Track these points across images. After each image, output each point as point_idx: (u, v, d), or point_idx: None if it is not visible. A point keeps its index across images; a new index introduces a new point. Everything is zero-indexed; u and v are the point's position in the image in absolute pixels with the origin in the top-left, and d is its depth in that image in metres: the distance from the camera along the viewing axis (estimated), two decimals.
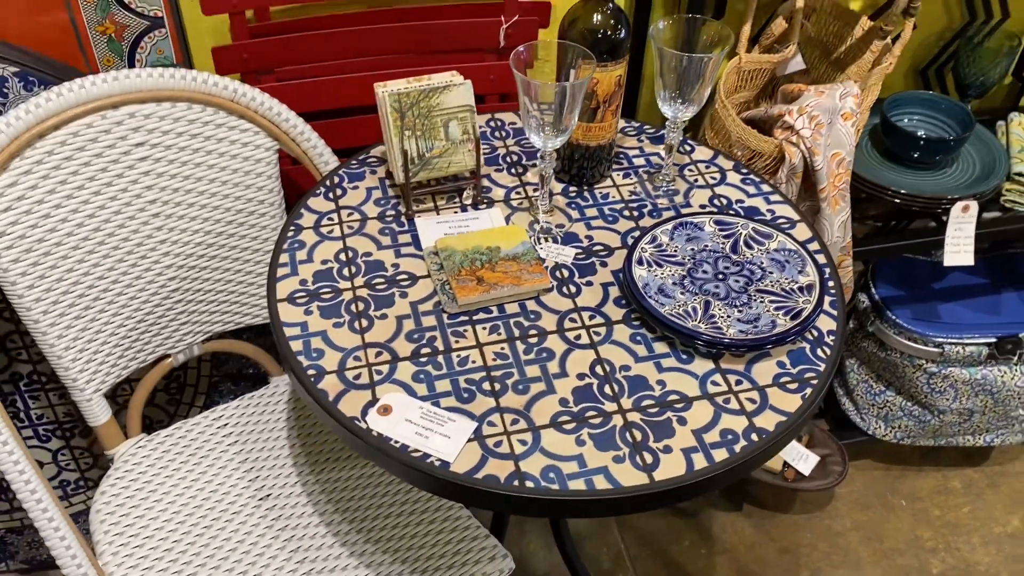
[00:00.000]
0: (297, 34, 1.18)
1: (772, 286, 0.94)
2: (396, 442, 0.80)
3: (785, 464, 1.58)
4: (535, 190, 1.10)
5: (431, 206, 1.07)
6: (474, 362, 0.88)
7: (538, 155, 0.99)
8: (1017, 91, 1.68)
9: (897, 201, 1.36)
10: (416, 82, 1.01)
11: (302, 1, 1.23)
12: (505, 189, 1.10)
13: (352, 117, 1.25)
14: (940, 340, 1.53)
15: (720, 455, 0.80)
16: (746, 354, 0.89)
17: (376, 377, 0.86)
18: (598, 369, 0.87)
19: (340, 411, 0.83)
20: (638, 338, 0.91)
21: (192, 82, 1.07)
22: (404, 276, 0.97)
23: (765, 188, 1.11)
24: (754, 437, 0.82)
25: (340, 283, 0.96)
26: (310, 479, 1.14)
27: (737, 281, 0.95)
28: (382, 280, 0.97)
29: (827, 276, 0.96)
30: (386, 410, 0.83)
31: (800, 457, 1.58)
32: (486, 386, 0.86)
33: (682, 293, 0.93)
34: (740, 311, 0.91)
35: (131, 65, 1.25)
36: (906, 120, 1.48)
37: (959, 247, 1.36)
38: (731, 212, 1.06)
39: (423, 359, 0.88)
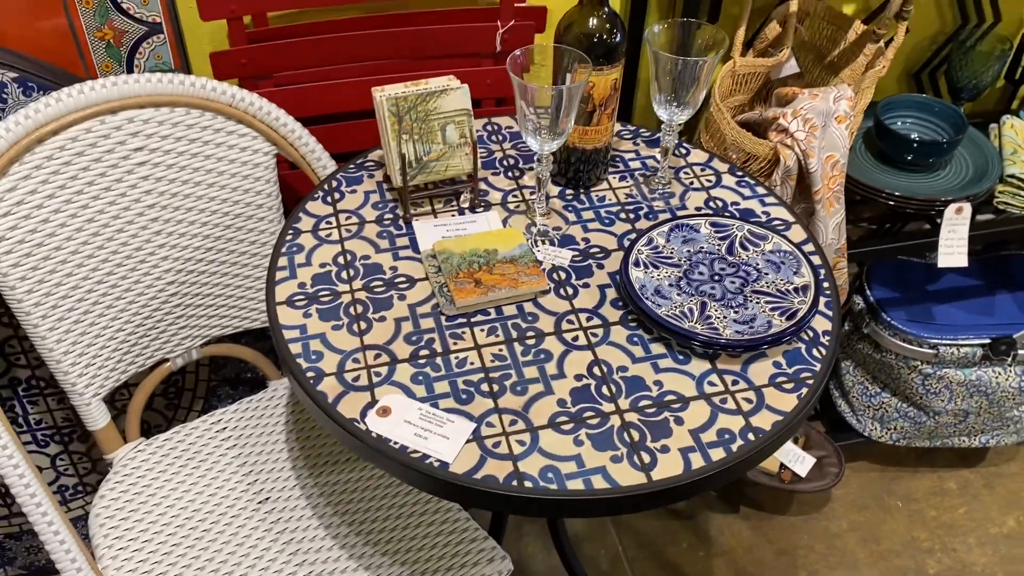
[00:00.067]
0: (295, 39, 1.19)
1: (768, 287, 0.95)
2: (395, 443, 0.80)
3: (782, 466, 1.59)
4: (532, 193, 1.10)
5: (428, 209, 1.08)
6: (472, 364, 0.88)
7: (535, 158, 0.99)
8: (1009, 94, 1.69)
9: (891, 203, 1.37)
10: (413, 86, 1.02)
11: (300, 6, 1.23)
12: (502, 192, 1.11)
13: (350, 122, 1.26)
14: (935, 341, 1.53)
15: (717, 454, 0.81)
16: (742, 354, 0.90)
17: (375, 379, 0.87)
18: (596, 370, 0.88)
19: (339, 413, 0.83)
20: (635, 339, 0.91)
21: (190, 87, 1.07)
22: (402, 279, 0.98)
23: (760, 190, 1.12)
24: (751, 437, 0.82)
25: (339, 286, 0.97)
26: (308, 482, 1.14)
27: (733, 282, 0.96)
28: (380, 283, 0.97)
29: (822, 277, 0.97)
30: (385, 412, 0.83)
31: (797, 459, 1.59)
32: (484, 387, 0.86)
33: (678, 294, 0.94)
34: (736, 312, 0.92)
35: (129, 70, 1.26)
36: (899, 123, 1.49)
37: (953, 249, 1.37)
38: (727, 214, 1.07)
39: (422, 361, 0.89)
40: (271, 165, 1.17)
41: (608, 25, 0.98)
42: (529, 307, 0.95)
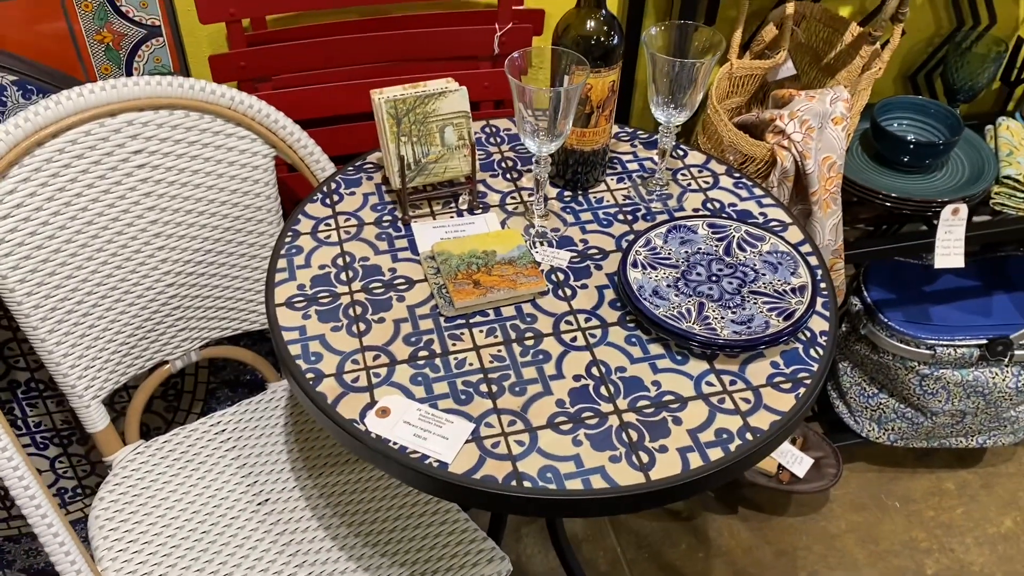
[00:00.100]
0: (293, 42, 1.19)
1: (765, 287, 0.95)
2: (395, 444, 0.81)
3: (780, 467, 1.59)
4: (530, 195, 1.11)
5: (427, 211, 1.08)
6: (471, 364, 0.89)
7: (533, 160, 1.00)
8: (1005, 96, 1.70)
9: (888, 204, 1.38)
10: (412, 89, 1.02)
11: (298, 9, 1.24)
12: (500, 194, 1.11)
13: (348, 124, 1.26)
14: (932, 342, 1.54)
15: (715, 454, 0.81)
16: (740, 355, 0.90)
17: (374, 380, 0.87)
18: (594, 370, 0.88)
19: (339, 414, 0.84)
20: (633, 340, 0.92)
21: (189, 90, 1.08)
22: (401, 280, 0.98)
23: (757, 192, 1.13)
24: (748, 436, 0.82)
25: (338, 288, 0.97)
26: (308, 484, 1.14)
27: (730, 283, 0.96)
28: (379, 284, 0.98)
29: (819, 277, 0.98)
30: (384, 412, 0.84)
31: (795, 460, 1.59)
32: (483, 388, 0.86)
33: (676, 295, 0.94)
34: (734, 312, 0.93)
35: (129, 73, 1.26)
36: (896, 125, 1.50)
37: (949, 250, 1.38)
38: (724, 215, 1.07)
39: (421, 362, 0.89)
40: (270, 167, 1.17)
41: (606, 27, 0.98)
42: (528, 308, 0.95)
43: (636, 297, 0.92)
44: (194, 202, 1.13)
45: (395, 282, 0.98)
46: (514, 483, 0.78)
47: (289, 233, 1.04)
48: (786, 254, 0.99)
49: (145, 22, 1.22)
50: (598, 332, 0.93)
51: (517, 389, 0.86)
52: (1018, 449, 1.83)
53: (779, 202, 1.11)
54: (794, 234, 1.06)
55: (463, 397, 0.85)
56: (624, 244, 1.04)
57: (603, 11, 0.99)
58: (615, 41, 0.99)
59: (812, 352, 0.91)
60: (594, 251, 1.03)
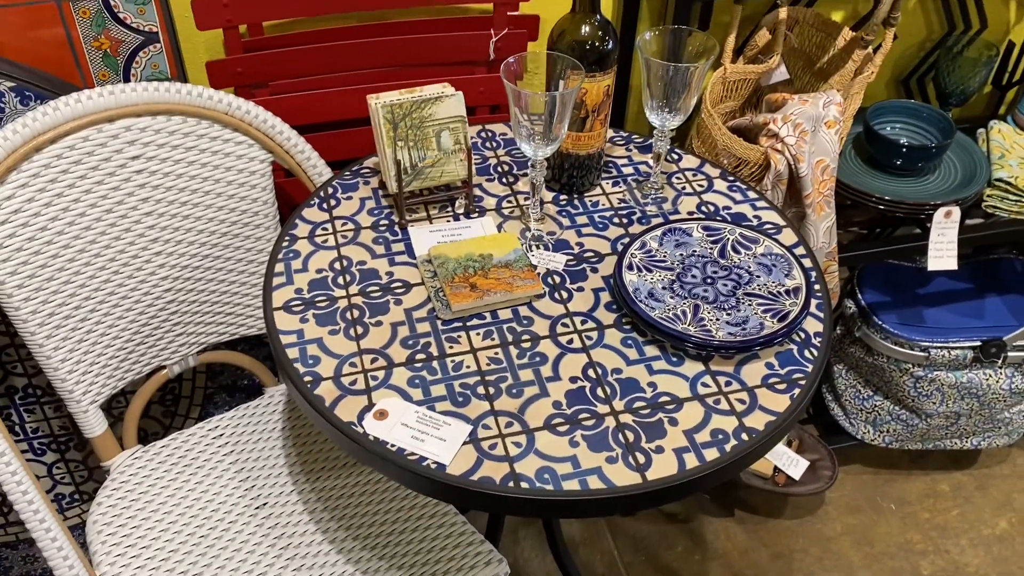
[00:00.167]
0: (290, 48, 1.20)
1: (759, 289, 0.96)
2: (392, 446, 0.81)
3: (776, 469, 1.60)
4: (526, 199, 1.12)
5: (424, 215, 1.09)
6: (468, 367, 0.89)
7: (529, 164, 1.00)
8: (997, 99, 1.71)
9: (881, 208, 1.39)
10: (408, 94, 1.03)
11: (295, 16, 1.24)
12: (496, 198, 1.12)
13: (345, 129, 1.27)
14: (926, 344, 1.55)
15: (711, 455, 0.82)
16: (735, 356, 0.91)
17: (372, 383, 0.87)
18: (590, 372, 0.89)
19: (337, 416, 0.84)
20: (629, 342, 0.92)
21: (187, 96, 1.08)
22: (398, 284, 0.99)
23: (751, 195, 1.14)
24: (744, 437, 0.83)
25: (335, 291, 0.98)
26: (306, 488, 1.15)
27: (725, 285, 0.97)
28: (376, 288, 0.98)
29: (813, 279, 0.98)
30: (382, 415, 0.84)
31: (790, 462, 1.60)
32: (480, 390, 0.87)
33: (672, 297, 0.95)
34: (729, 314, 0.93)
35: (126, 79, 1.27)
36: (889, 128, 1.51)
37: (942, 252, 1.39)
38: (718, 218, 1.08)
39: (418, 364, 0.89)
40: (267, 172, 1.18)
41: (600, 32, 0.99)
42: (524, 311, 0.96)
43: (632, 299, 0.93)
44: (191, 207, 1.13)
45: (392, 286, 0.98)
46: (511, 484, 0.78)
47: (286, 238, 1.05)
48: (780, 256, 1.00)
49: (142, 28, 1.23)
50: (594, 334, 0.93)
51: (514, 391, 0.87)
52: (1012, 450, 1.84)
53: (773, 205, 1.12)
54: (788, 236, 1.07)
55: (460, 399, 0.86)
56: (620, 247, 1.04)
57: (598, 16, 1.00)
58: (610, 46, 1.00)
59: (806, 353, 0.92)
60: (590, 254, 1.04)
